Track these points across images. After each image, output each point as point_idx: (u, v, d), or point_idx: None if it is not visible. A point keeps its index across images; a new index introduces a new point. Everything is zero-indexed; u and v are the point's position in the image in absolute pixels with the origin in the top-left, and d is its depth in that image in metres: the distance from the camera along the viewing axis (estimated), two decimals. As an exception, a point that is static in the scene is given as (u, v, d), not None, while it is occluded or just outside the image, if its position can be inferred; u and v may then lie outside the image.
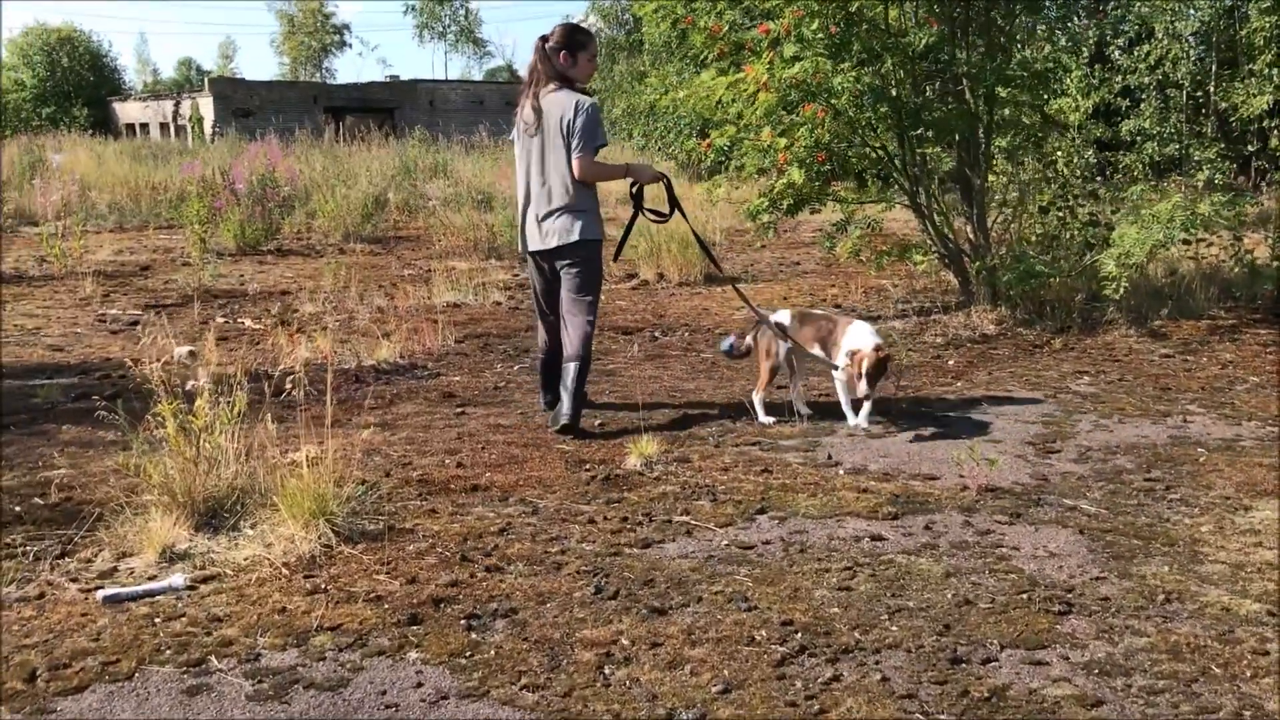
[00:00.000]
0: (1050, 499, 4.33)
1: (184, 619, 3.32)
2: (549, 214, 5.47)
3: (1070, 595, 3.39)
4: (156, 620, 3.32)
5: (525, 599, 3.41)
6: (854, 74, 7.46)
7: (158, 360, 6.76)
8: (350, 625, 3.25)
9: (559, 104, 5.38)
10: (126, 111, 46.40)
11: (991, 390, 6.20)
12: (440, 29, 67.92)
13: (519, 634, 3.19)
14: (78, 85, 46.14)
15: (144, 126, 44.34)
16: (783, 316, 5.74)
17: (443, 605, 3.38)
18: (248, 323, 8.62)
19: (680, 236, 10.81)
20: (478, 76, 71.46)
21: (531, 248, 5.63)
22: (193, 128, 39.52)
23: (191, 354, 7.23)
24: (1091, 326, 7.76)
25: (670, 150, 23.40)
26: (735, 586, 3.48)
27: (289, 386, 4.23)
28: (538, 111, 5.41)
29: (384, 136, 25.69)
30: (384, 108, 43.97)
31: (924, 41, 7.73)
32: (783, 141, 7.64)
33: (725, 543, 3.88)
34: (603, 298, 9.90)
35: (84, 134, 30.95)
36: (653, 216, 5.97)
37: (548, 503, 4.33)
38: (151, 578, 3.64)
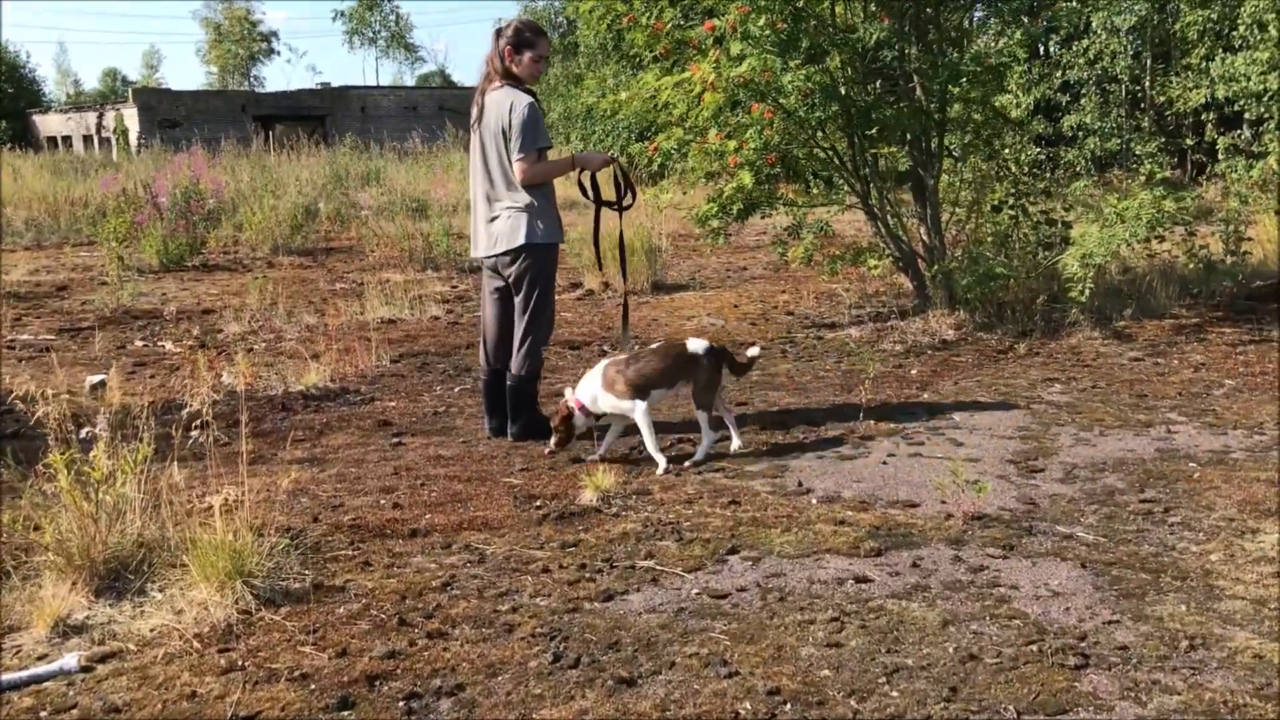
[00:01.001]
0: (1043, 526, 3.99)
1: (74, 711, 2.85)
2: (494, 217, 5.25)
3: (1084, 645, 3.04)
4: (42, 714, 2.84)
5: (473, 671, 2.99)
6: (804, 72, 7.13)
7: (63, 393, 6.25)
8: (271, 713, 2.81)
9: (498, 103, 5.17)
10: (47, 124, 44.99)
11: (960, 401, 5.88)
12: (371, 34, 66.89)
13: (467, 716, 2.77)
14: (-7, 97, 44.66)
15: (66, 139, 43.00)
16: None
17: (378, 683, 2.94)
18: (168, 346, 8.07)
19: (627, 242, 10.42)
20: (410, 82, 70.52)
21: (478, 253, 5.37)
22: (117, 140, 38.37)
23: (103, 383, 6.70)
24: (1054, 329, 7.50)
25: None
26: (711, 647, 3.09)
27: (195, 428, 3.75)
28: (480, 109, 5.21)
29: (314, 145, 24.99)
30: (314, 115, 43.06)
31: (874, 37, 7.42)
32: (732, 144, 7.28)
33: (696, 591, 3.48)
34: (546, 309, 9.57)
35: (2, 148, 29.79)
36: (612, 207, 5.59)
37: (496, 549, 3.90)
38: (41, 657, 3.16)
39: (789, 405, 5.89)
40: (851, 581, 3.53)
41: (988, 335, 7.49)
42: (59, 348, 8.07)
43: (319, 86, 47.88)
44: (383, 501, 4.46)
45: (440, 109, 43.67)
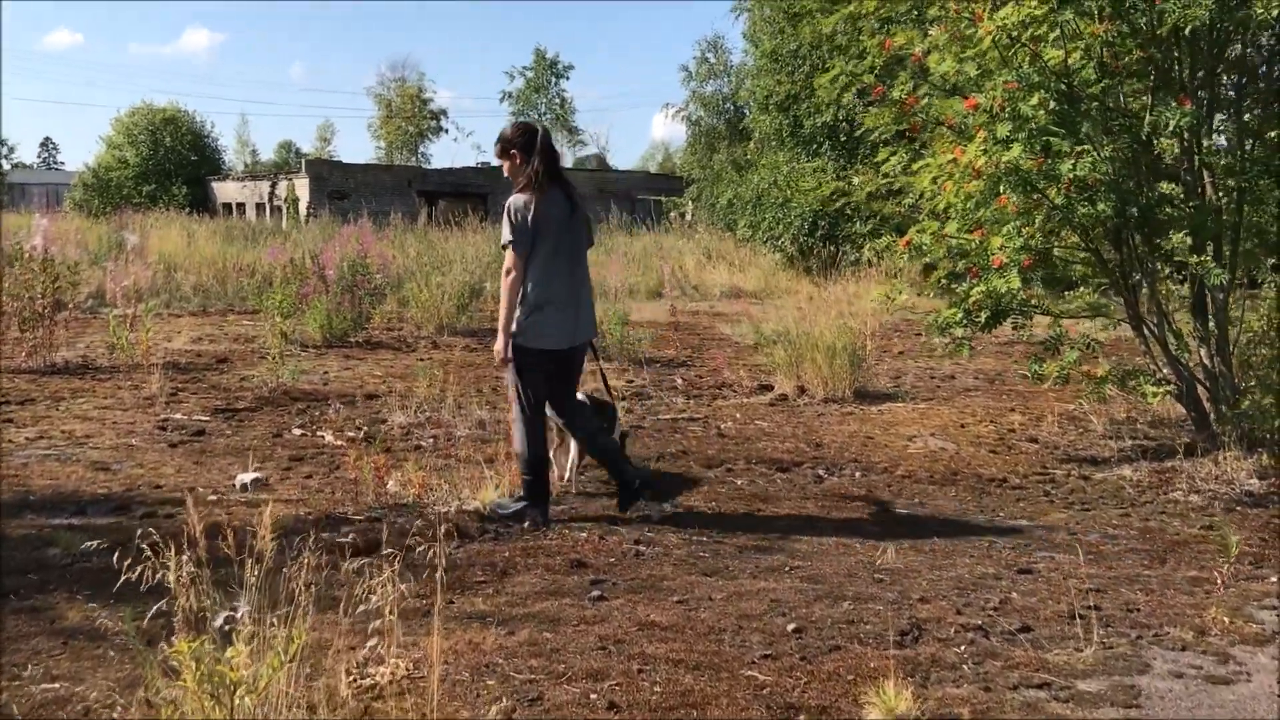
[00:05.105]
0: None
1: None
2: (587, 305, 5.59)
3: None
4: None
5: None
6: (1089, 159, 5.94)
7: (209, 492, 5.41)
8: None
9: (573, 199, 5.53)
10: (224, 191, 46.59)
11: (1321, 589, 4.49)
12: (536, 116, 68.02)
13: None
14: (179, 164, 46.34)
15: (240, 206, 44.38)
16: None
17: None
18: (327, 437, 7.25)
19: (826, 345, 9.29)
20: (569, 164, 71.34)
21: (570, 344, 5.48)
22: (288, 209, 39.32)
23: (256, 482, 5.86)
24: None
25: (779, 243, 21.98)
26: None
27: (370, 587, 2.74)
28: (574, 203, 5.50)
29: (478, 221, 24.74)
30: (477, 193, 43.50)
31: (1172, 123, 6.16)
32: (997, 241, 6.11)
33: None
34: (739, 415, 8.47)
35: (181, 212, 30.61)
36: None
37: (766, 806, 2.75)
38: None
39: (1087, 577, 4.59)
40: None
41: (1306, 489, 6.06)
42: (212, 430, 7.35)
43: (481, 165, 48.44)
44: (593, 697, 3.35)
45: (599, 190, 43.63)
